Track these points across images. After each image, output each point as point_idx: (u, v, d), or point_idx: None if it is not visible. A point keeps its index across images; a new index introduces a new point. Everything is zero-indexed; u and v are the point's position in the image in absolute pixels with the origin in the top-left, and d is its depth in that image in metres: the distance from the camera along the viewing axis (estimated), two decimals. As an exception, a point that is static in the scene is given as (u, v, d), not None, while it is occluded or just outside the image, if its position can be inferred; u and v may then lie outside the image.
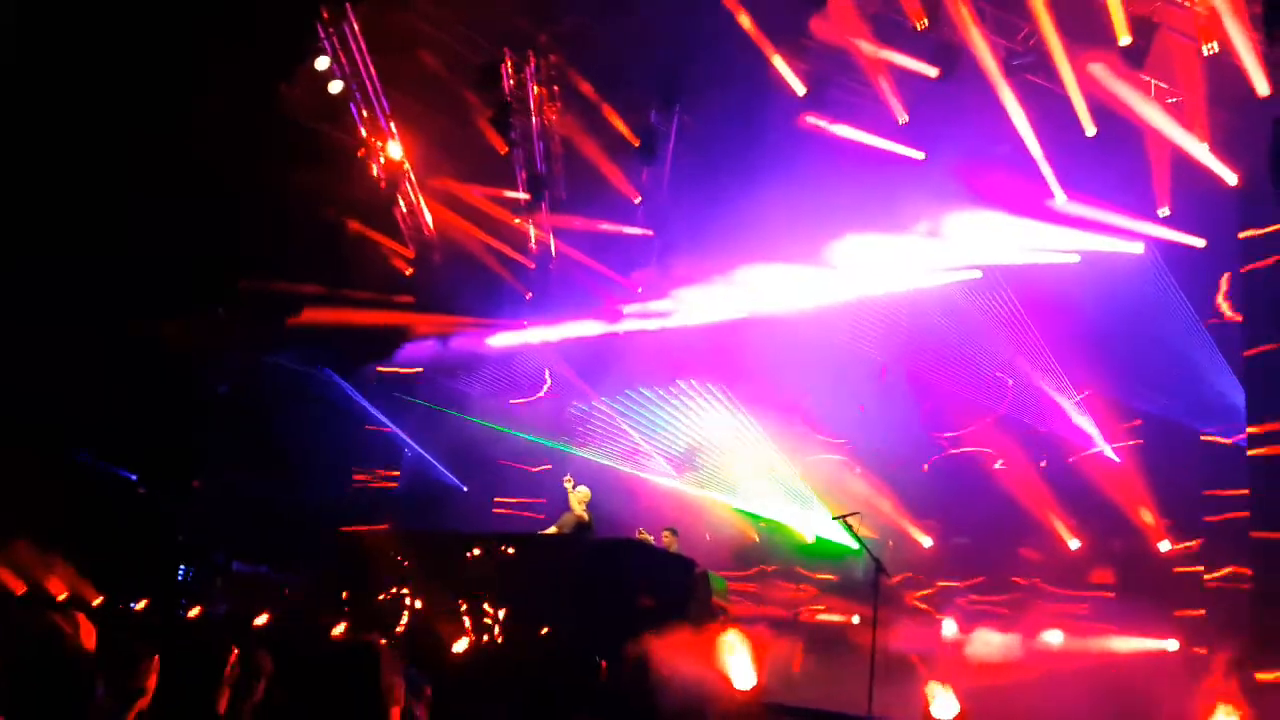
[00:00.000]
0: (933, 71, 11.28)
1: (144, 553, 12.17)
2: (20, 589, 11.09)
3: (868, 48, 11.66)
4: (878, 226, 12.67)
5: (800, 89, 12.93)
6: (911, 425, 13.04)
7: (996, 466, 11.96)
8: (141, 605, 10.47)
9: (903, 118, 12.71)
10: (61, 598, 10.53)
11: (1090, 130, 11.32)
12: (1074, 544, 10.81)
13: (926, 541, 11.65)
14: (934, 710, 6.20)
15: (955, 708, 6.18)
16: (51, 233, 12.27)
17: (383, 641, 8.68)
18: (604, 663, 8.01)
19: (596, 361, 14.35)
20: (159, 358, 12.81)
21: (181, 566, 12.64)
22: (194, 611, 10.47)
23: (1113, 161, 11.21)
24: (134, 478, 12.91)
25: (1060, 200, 11.72)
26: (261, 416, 13.69)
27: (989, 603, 10.02)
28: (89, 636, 4.52)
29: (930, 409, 12.95)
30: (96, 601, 10.59)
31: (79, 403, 12.04)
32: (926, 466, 12.69)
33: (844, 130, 12.99)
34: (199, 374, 13.51)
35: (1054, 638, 9.62)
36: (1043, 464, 11.71)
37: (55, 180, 11.79)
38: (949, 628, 9.47)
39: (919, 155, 12.57)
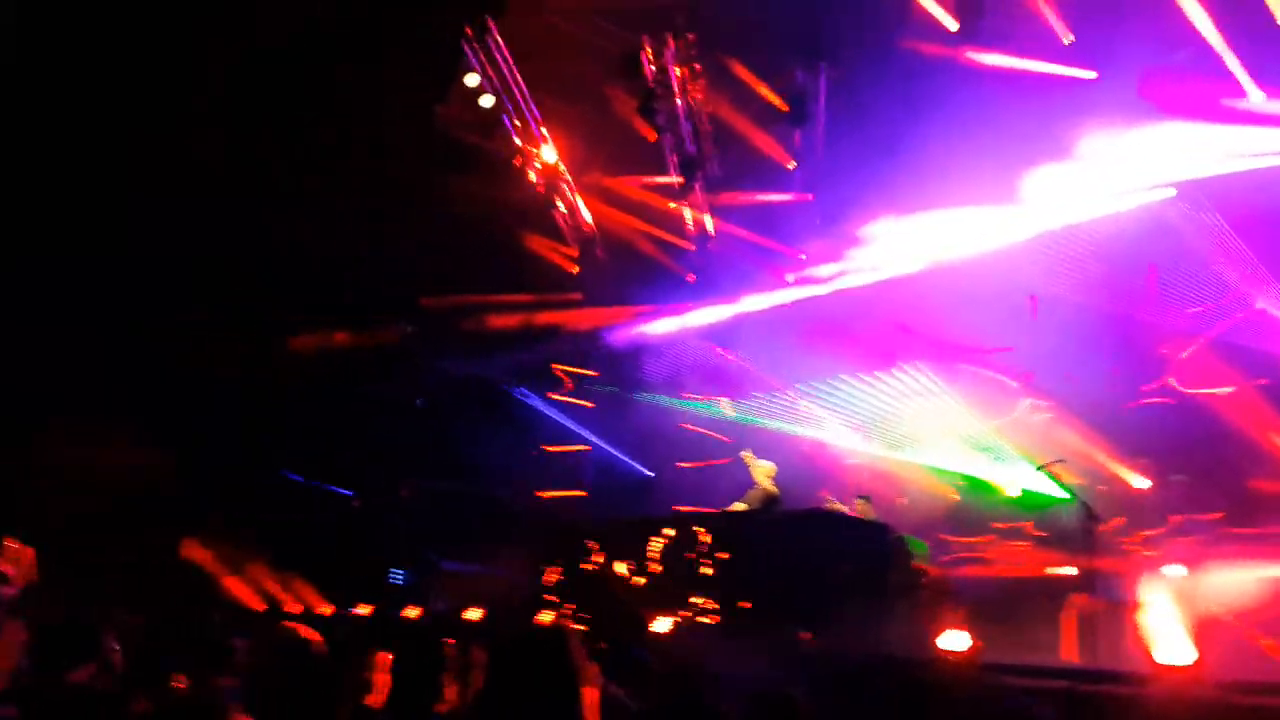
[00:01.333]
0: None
1: (363, 561, 13.07)
2: (261, 606, 12.15)
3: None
4: (1054, 156, 11.84)
5: (952, 23, 12.31)
6: (1115, 361, 12.14)
7: (1213, 394, 10.95)
8: (365, 610, 11.19)
9: (1068, 38, 11.91)
10: (299, 611, 11.46)
11: (1281, 16, 10.22)
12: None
13: (1142, 483, 10.79)
14: (1160, 655, 5.74)
15: (1191, 652, 5.70)
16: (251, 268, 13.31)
17: (575, 626, 8.94)
18: (808, 634, 7.92)
19: (770, 339, 14.13)
20: (356, 374, 13.68)
21: (398, 571, 13.45)
22: (413, 612, 11.09)
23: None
24: (349, 493, 13.88)
25: (1257, 99, 10.60)
26: (452, 426, 14.38)
27: (1217, 539, 9.17)
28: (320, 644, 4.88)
29: (1135, 341, 12.01)
30: (326, 610, 11.45)
31: (290, 425, 13.04)
32: (1135, 403, 11.76)
33: (1005, 60, 12.28)
34: (396, 389, 14.32)
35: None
36: (1263, 384, 10.60)
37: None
38: (1174, 569, 8.75)
39: (1090, 75, 11.69)
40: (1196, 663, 5.72)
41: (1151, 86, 10.96)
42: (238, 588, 12.51)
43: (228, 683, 4.31)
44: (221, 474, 12.72)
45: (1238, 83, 10.67)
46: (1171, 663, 5.72)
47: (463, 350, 14.77)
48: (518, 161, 15.24)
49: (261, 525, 12.71)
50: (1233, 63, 10.64)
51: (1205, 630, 6.15)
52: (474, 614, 10.25)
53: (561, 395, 15.39)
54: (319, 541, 12.88)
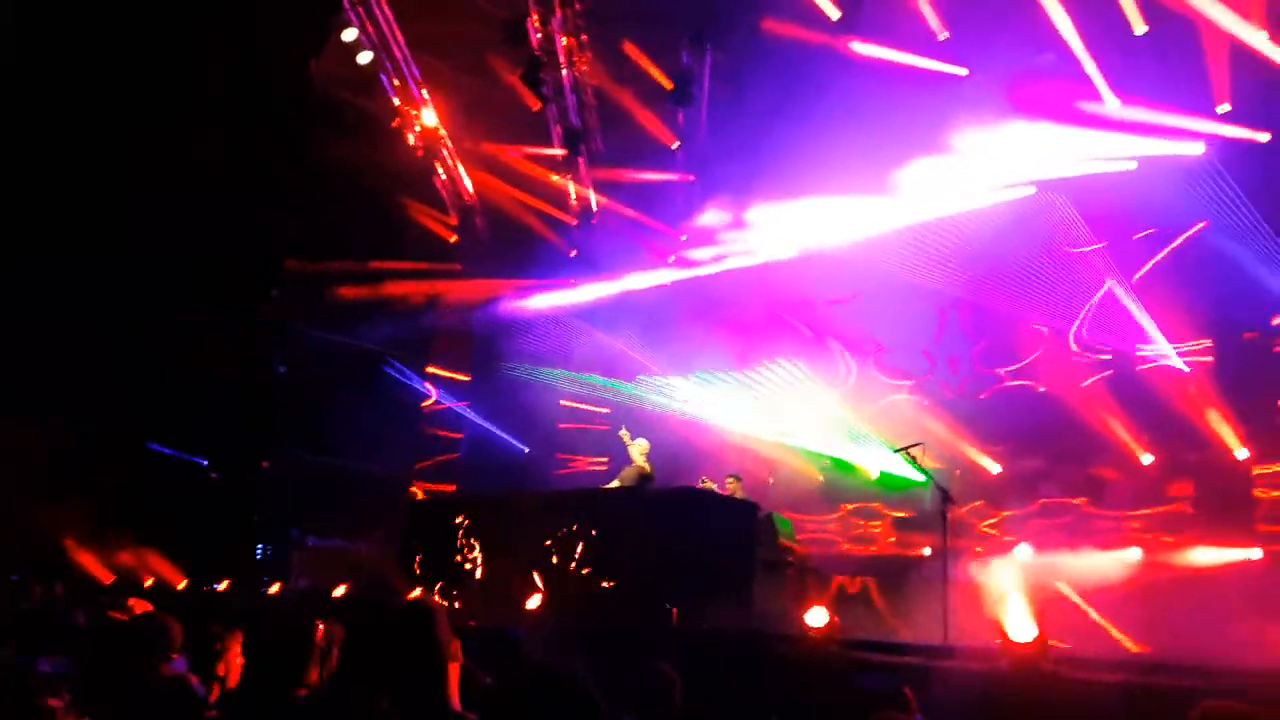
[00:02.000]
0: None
1: (222, 534, 12.56)
2: (109, 578, 11.54)
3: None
4: (924, 149, 12.24)
5: (834, 12, 12.56)
6: (973, 352, 12.77)
7: (1061, 388, 11.65)
8: (224, 585, 10.78)
9: (942, 34, 12.34)
10: (148, 584, 10.92)
11: (1140, 28, 10.83)
12: (1147, 459, 10.51)
13: (995, 468, 11.42)
14: (1011, 633, 6.08)
15: (1033, 630, 6.06)
16: (103, 230, 12.56)
17: (440, 601, 8.85)
18: (675, 610, 8.02)
19: (647, 318, 14.16)
20: (218, 343, 13.08)
21: (259, 545, 13.00)
22: (274, 588, 10.75)
23: (1165, 59, 10.66)
24: (205, 463, 13.29)
25: (1112, 105, 11.21)
26: (320, 396, 13.92)
27: (1062, 524, 9.80)
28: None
29: (992, 334, 12.63)
30: (181, 585, 10.97)
31: (146, 393, 12.38)
32: (987, 394, 12.40)
33: (882, 52, 12.62)
34: (258, 357, 13.75)
35: (1133, 554, 9.41)
36: (1108, 375, 11.33)
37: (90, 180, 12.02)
38: (1023, 551, 9.31)
39: (961, 71, 12.15)
40: (1039, 639, 6.09)
41: (1018, 87, 11.44)
42: (89, 560, 11.85)
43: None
44: (79, 441, 12.01)
45: (1095, 88, 11.26)
46: (1018, 639, 6.07)
47: (333, 319, 14.27)
48: (396, 123, 14.80)
49: (118, 495, 12.07)
50: (1092, 69, 11.23)
51: (1048, 609, 6.58)
52: (339, 590, 10.00)
53: (438, 369, 15.08)
54: (176, 513, 12.30)
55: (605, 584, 8.76)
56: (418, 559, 10.15)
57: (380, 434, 14.17)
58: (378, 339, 14.78)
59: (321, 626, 5.94)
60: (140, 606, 5.25)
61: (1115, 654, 7.54)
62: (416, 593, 9.38)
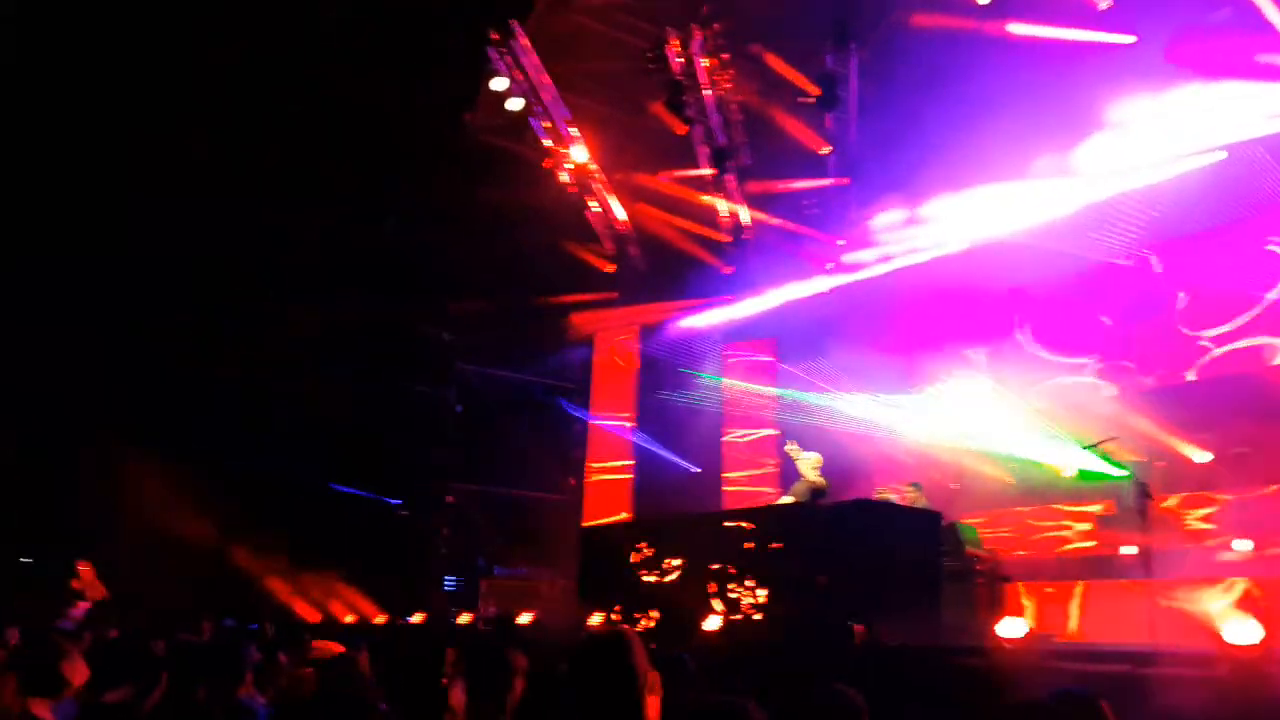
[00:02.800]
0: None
1: (415, 570, 13.16)
2: (315, 617, 12.26)
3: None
4: (1096, 125, 11.48)
5: (981, -4, 12.05)
6: (1169, 329, 11.76)
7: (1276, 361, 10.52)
8: (418, 619, 11.23)
9: (1104, 3, 11.59)
10: (348, 619, 11.54)
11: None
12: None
13: (1202, 457, 10.39)
14: (1228, 636, 5.48)
15: (1258, 632, 5.43)
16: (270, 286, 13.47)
17: (632, 629, 8.86)
18: (859, 627, 7.74)
19: (808, 332, 13.88)
20: (391, 382, 13.77)
21: (448, 578, 13.51)
22: (464, 618, 11.11)
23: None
24: (396, 502, 13.98)
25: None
26: (493, 430, 14.40)
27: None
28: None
29: (1189, 306, 11.60)
30: (379, 620, 11.52)
31: (333, 436, 13.15)
32: (1193, 373, 11.35)
33: (1039, 30, 11.97)
34: (432, 395, 14.40)
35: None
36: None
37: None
38: (1242, 545, 8.40)
39: (1129, 39, 11.34)
40: (1265, 641, 5.47)
41: (1193, 48, 10.57)
42: (291, 597, 12.66)
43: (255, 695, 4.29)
44: (263, 483, 12.88)
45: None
46: (1238, 642, 5.48)
47: (498, 355, 14.79)
48: (548, 164, 15.23)
49: (312, 536, 12.86)
50: (1275, 16, 10.23)
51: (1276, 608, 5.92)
52: (524, 618, 10.24)
53: (607, 396, 15.34)
54: (369, 550, 12.99)
55: (783, 603, 8.56)
56: (594, 584, 10.25)
57: (549, 464, 14.52)
58: (541, 372, 15.19)
59: (453, 653, 6.08)
60: (329, 645, 5.46)
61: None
62: (596, 619, 9.47)
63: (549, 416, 15.17)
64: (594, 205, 15.37)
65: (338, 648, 5.20)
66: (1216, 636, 5.61)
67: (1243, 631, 5.45)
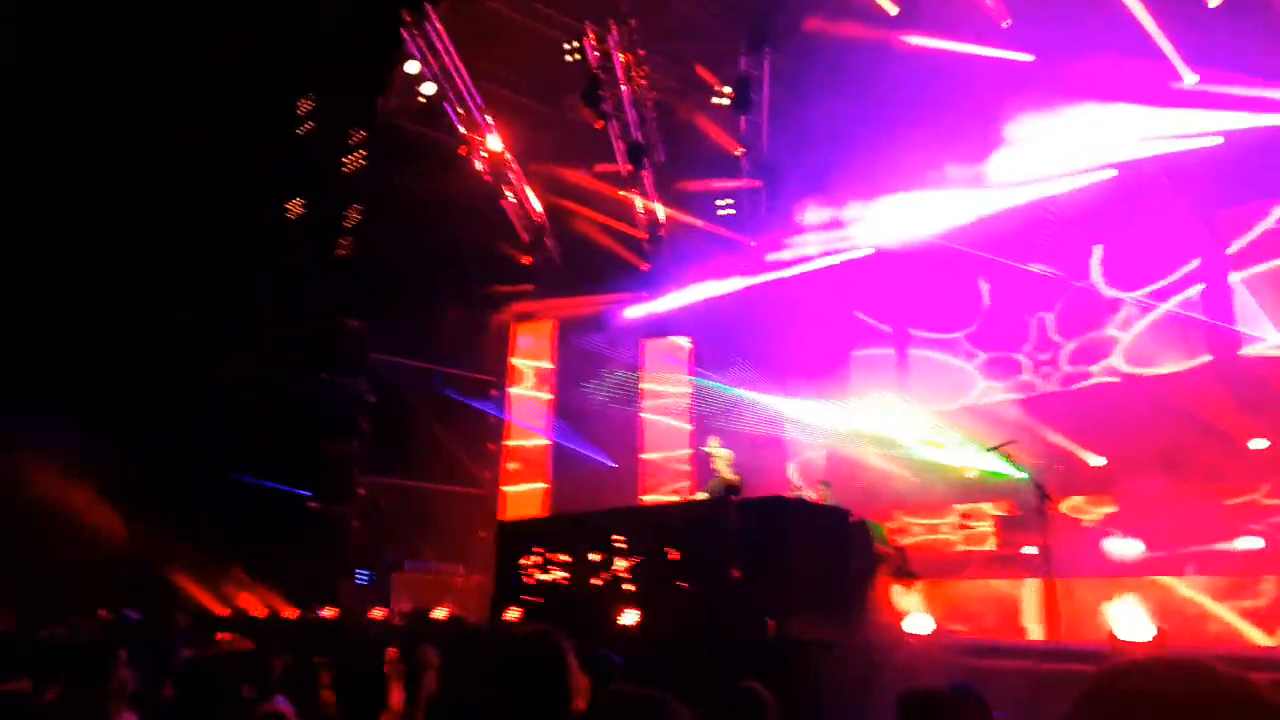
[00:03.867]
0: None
1: (325, 563, 12.92)
2: (224, 611, 11.94)
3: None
4: (993, 140, 12.02)
5: (892, 9, 12.44)
6: (1064, 350, 12.49)
7: (1159, 371, 11.29)
8: (330, 613, 11.06)
9: (1005, 21, 12.12)
10: (260, 615, 11.29)
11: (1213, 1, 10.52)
12: (1259, 443, 10.06)
13: (1097, 460, 11.07)
14: (1122, 633, 5.90)
15: (1150, 629, 5.85)
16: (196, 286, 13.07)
17: (558, 630, 8.93)
18: (771, 622, 7.98)
19: (723, 330, 14.13)
20: (304, 374, 13.47)
21: (360, 571, 13.32)
22: (378, 613, 10.98)
23: (1242, 28, 10.29)
24: (306, 494, 13.67)
25: (1189, 80, 10.87)
26: (405, 423, 14.22)
27: (1174, 515, 9.44)
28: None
29: (1077, 321, 12.35)
30: (291, 614, 11.30)
31: (238, 426, 12.80)
32: (1085, 382, 12.08)
33: (944, 45, 12.44)
34: (343, 386, 14.12)
35: (1253, 543, 9.04)
36: (1211, 360, 10.96)
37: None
38: (1132, 546, 9.00)
39: (1027, 58, 11.89)
40: (1158, 638, 5.90)
41: (1089, 69, 11.14)
42: (199, 591, 12.30)
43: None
44: (173, 473, 12.49)
45: (1171, 65, 10.92)
46: (1132, 639, 5.89)
47: (412, 346, 14.58)
48: (463, 150, 15.06)
49: (219, 526, 12.51)
50: (1165, 45, 10.90)
51: (1165, 606, 6.39)
52: (439, 613, 10.19)
53: (521, 390, 15.28)
54: (278, 542, 12.70)
55: (697, 599, 8.75)
56: (508, 579, 10.27)
57: (464, 457, 14.42)
58: (459, 364, 15.05)
59: (394, 652, 6.05)
60: (238, 641, 5.38)
61: (1243, 651, 7.26)
62: (512, 615, 9.50)
63: (464, 409, 15.04)
64: (510, 196, 15.28)
65: (245, 643, 5.16)
66: (1111, 634, 6.02)
67: (1136, 629, 5.87)
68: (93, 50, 11.63)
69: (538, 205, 15.34)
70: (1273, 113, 10.47)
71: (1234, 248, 11.26)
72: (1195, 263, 11.52)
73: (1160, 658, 1.12)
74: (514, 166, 15.24)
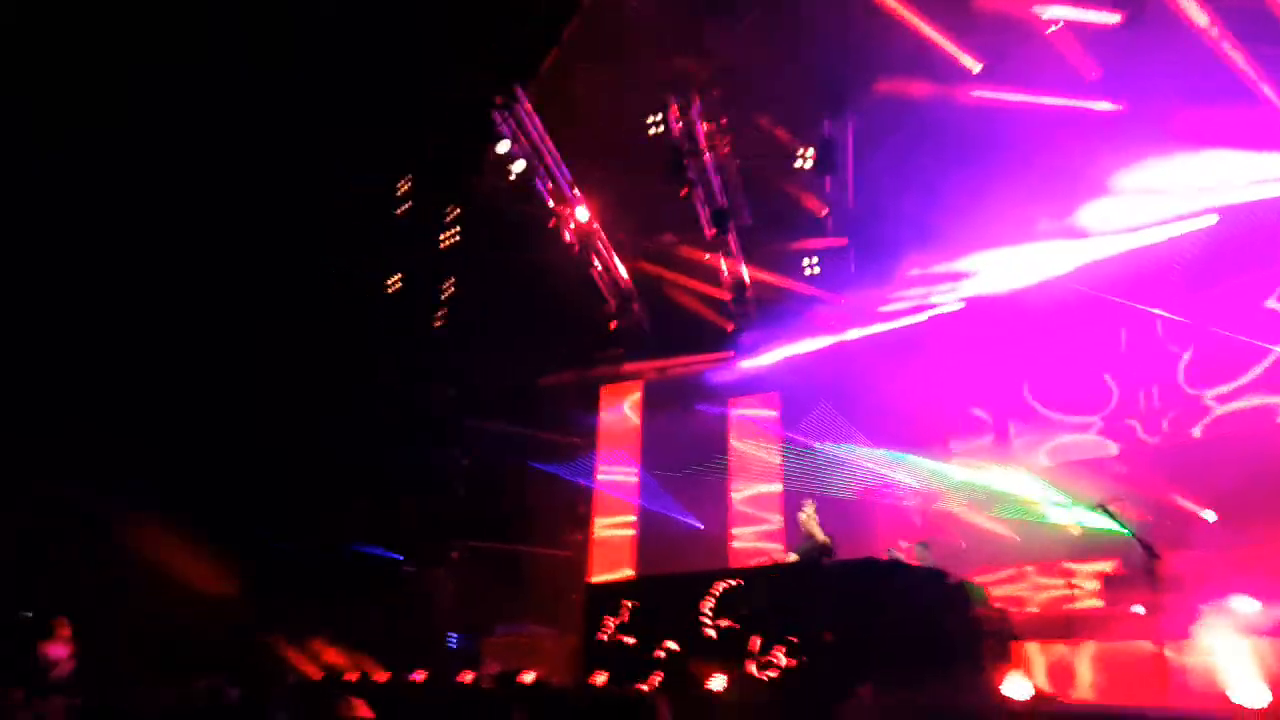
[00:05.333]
0: (1115, 17, 10.49)
1: (417, 626, 13.09)
2: (317, 675, 12.16)
3: (1042, 7, 11.03)
4: (1091, 189, 11.79)
5: (974, 66, 12.39)
6: (1172, 386, 11.98)
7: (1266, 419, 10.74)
8: (420, 676, 11.13)
9: (1093, 73, 11.95)
10: (352, 678, 11.43)
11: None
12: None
13: (1209, 516, 10.49)
14: (1237, 696, 5.53)
15: (1266, 694, 5.49)
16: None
17: (657, 697, 8.83)
18: (867, 689, 7.74)
19: (813, 389, 14.01)
20: (403, 440, 13.85)
21: (451, 635, 13.42)
22: (467, 676, 11.01)
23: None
24: (400, 558, 13.95)
25: (1289, 121, 10.51)
26: (497, 485, 14.44)
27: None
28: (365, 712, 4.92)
29: (1193, 362, 11.84)
30: (381, 678, 11.41)
31: (343, 495, 13.19)
32: (1198, 430, 11.53)
33: (1029, 98, 12.33)
34: (439, 452, 14.45)
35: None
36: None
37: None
38: (1247, 604, 8.45)
39: (1115, 107, 11.69)
40: (1275, 703, 5.52)
41: (1183, 115, 10.88)
42: (295, 657, 12.57)
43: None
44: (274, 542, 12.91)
45: (1272, 106, 10.59)
46: (1249, 705, 5.53)
47: (504, 412, 14.89)
48: (552, 224, 15.48)
49: (316, 593, 12.83)
50: (1264, 85, 10.58)
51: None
52: (528, 676, 10.16)
53: (612, 452, 15.37)
54: (375, 607, 12.95)
55: (790, 662, 8.55)
56: (595, 641, 10.22)
57: (554, 520, 14.52)
58: (550, 428, 15.26)
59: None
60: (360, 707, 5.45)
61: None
62: (601, 678, 9.43)
63: (555, 472, 15.20)
64: (598, 264, 15.60)
65: (366, 711, 5.25)
66: (1225, 698, 5.67)
67: (1252, 693, 5.51)
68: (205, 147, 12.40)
69: (624, 272, 15.61)
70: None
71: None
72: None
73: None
74: (601, 236, 15.58)
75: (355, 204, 14.72)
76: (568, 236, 15.45)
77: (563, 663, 12.10)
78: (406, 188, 17.37)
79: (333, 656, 12.77)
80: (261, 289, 13.37)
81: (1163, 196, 11.50)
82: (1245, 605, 8.44)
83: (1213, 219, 11.37)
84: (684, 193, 14.73)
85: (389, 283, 15.58)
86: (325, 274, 13.75)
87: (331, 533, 13.60)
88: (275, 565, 12.70)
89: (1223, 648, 6.18)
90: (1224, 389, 11.52)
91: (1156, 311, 11.87)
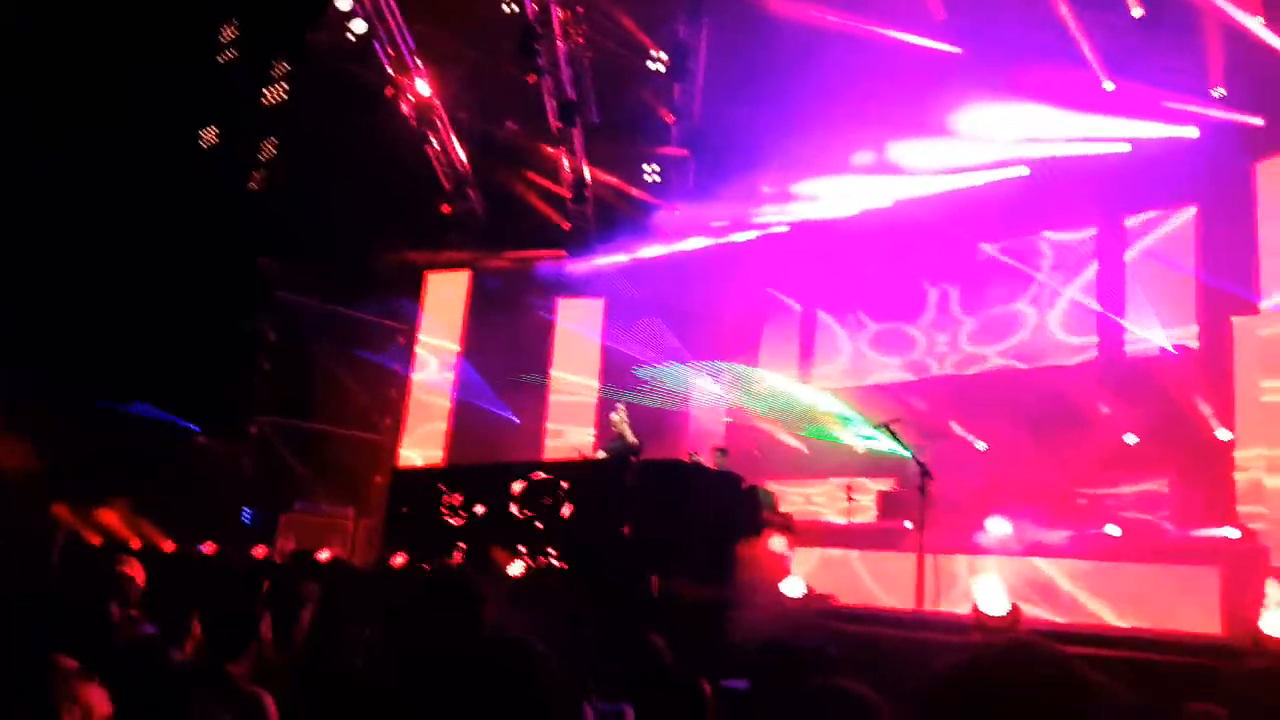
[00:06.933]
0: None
1: (211, 499, 12.62)
2: (97, 540, 11.58)
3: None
4: (920, 127, 12.25)
5: (831, -12, 12.51)
6: (963, 330, 12.90)
7: (1047, 364, 11.79)
8: (209, 549, 10.82)
9: (940, 14, 12.30)
10: (135, 547, 10.96)
11: (1136, 10, 10.81)
12: (1130, 439, 10.58)
13: (980, 445, 11.51)
14: (983, 605, 6.16)
15: (1006, 604, 6.14)
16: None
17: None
18: (655, 579, 8.08)
19: (638, 295, 14.13)
20: (205, 306, 13.09)
21: (246, 510, 13.06)
22: (259, 551, 10.80)
23: (1161, 43, 10.66)
24: (195, 428, 13.32)
25: (1107, 87, 11.20)
26: (307, 363, 13.92)
27: (1042, 500, 9.88)
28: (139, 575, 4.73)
29: (983, 312, 12.76)
30: (168, 548, 11.02)
31: (132, 354, 12.37)
32: (974, 371, 12.53)
33: (880, 30, 12.59)
34: (246, 321, 13.77)
35: (1112, 530, 9.48)
36: (1095, 357, 11.50)
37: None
38: (1001, 526, 9.38)
39: (956, 50, 12.11)
40: (1012, 613, 6.16)
41: (1013, 66, 11.38)
42: (79, 524, 11.91)
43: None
44: (56, 401, 12.04)
45: (1092, 70, 11.24)
46: (991, 612, 6.15)
47: (323, 287, 14.26)
48: (389, 92, 14.72)
49: (103, 458, 12.11)
50: (1088, 51, 11.21)
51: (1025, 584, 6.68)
52: (324, 554, 10.07)
53: (430, 339, 15.02)
54: (163, 476, 12.36)
55: (586, 553, 8.81)
56: (398, 524, 10.20)
57: (364, 402, 14.20)
58: (369, 309, 14.78)
59: (267, 585, 6.04)
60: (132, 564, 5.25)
61: (1092, 628, 7.62)
62: (400, 559, 9.44)
63: (369, 355, 14.78)
64: (435, 143, 14.99)
65: (138, 570, 5.05)
66: (974, 606, 6.28)
67: (995, 603, 6.12)
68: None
69: (462, 155, 15.08)
70: (1177, 124, 10.86)
71: (1132, 252, 11.73)
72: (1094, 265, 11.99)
73: (1001, 646, 1.39)
74: (441, 113, 14.94)
75: (170, 43, 13.44)
76: (405, 109, 14.75)
77: (362, 544, 12.03)
78: (232, 34, 16.06)
79: (117, 524, 12.19)
80: (53, 127, 12.11)
81: (984, 143, 12.11)
82: (999, 526, 9.35)
83: (1024, 170, 12.08)
84: (532, 79, 14.27)
85: (202, 134, 14.44)
86: (130, 115, 12.56)
87: (122, 396, 12.80)
88: (61, 429, 11.87)
89: (975, 563, 6.82)
90: (1001, 346, 12.52)
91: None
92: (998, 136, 12.02)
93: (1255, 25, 10.02)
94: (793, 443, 13.18)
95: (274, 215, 13.92)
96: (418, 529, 9.98)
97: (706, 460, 10.22)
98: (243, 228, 13.70)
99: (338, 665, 4.29)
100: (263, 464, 13.46)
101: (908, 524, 9.39)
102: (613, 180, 15.22)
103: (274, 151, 14.63)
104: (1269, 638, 5.56)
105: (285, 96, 14.83)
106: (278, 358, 13.85)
